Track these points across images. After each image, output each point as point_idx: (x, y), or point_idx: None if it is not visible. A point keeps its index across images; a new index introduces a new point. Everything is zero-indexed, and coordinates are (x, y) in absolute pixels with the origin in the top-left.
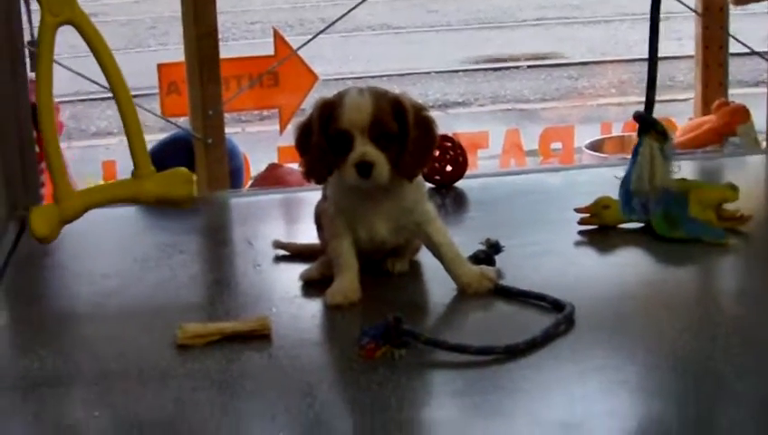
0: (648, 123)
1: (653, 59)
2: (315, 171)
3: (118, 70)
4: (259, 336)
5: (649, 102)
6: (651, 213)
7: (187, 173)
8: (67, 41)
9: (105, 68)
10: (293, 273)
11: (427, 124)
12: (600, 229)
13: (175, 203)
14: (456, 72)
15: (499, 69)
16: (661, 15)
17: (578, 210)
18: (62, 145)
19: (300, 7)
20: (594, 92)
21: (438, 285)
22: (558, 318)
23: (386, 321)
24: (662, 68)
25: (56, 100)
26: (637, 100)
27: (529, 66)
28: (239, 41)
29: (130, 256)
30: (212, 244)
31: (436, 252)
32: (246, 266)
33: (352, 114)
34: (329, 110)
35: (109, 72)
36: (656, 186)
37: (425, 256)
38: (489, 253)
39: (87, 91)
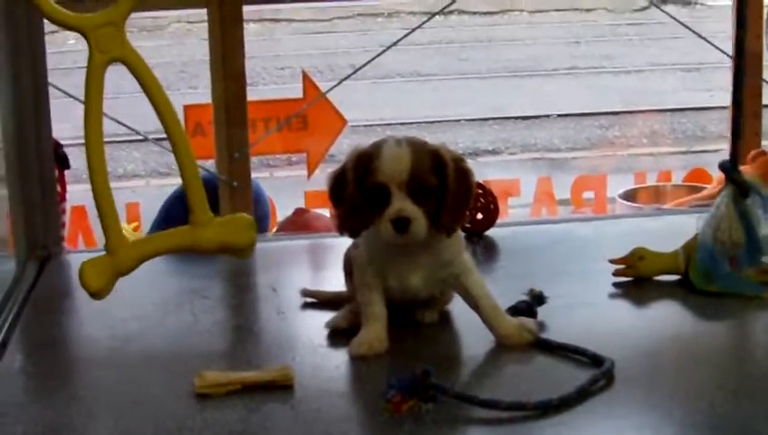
0: (729, 173)
1: (738, 105)
2: (349, 225)
3: (171, 109)
4: (281, 387)
5: (734, 154)
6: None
7: (248, 219)
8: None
9: (158, 107)
10: (318, 321)
11: (465, 176)
12: (636, 281)
13: (235, 251)
14: (486, 120)
15: (529, 117)
16: (692, 64)
17: (612, 261)
18: (86, 187)
19: (330, 53)
20: (625, 142)
21: (470, 337)
22: (595, 374)
23: (413, 374)
24: (693, 118)
25: (82, 141)
26: (668, 150)
27: (559, 115)
28: (268, 85)
29: (150, 301)
30: (235, 290)
31: (474, 304)
32: (270, 313)
33: (390, 167)
34: (365, 161)
35: (162, 111)
36: (722, 239)
37: (455, 307)
38: (531, 304)
39: (114, 133)
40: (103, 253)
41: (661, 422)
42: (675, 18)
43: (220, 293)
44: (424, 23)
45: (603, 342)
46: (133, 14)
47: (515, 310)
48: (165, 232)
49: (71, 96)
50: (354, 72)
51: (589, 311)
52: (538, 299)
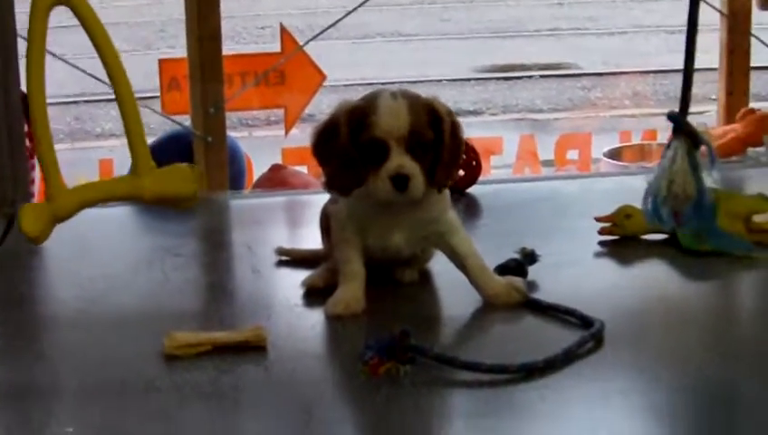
0: (679, 125)
1: (690, 55)
2: (340, 183)
3: (116, 55)
4: (254, 347)
5: (684, 104)
6: (681, 224)
7: (190, 169)
8: (73, 40)
9: (102, 52)
10: (295, 279)
11: (458, 130)
12: (622, 240)
13: (177, 202)
14: (468, 80)
15: (511, 78)
16: (675, 26)
17: (598, 219)
18: (65, 145)
19: (311, 13)
20: (608, 103)
21: (451, 297)
22: (583, 336)
23: (391, 334)
24: (676, 80)
25: (61, 100)
26: (651, 111)
27: (541, 76)
28: (248, 44)
29: (121, 259)
30: (209, 247)
31: (461, 263)
32: (245, 272)
33: (388, 122)
34: (359, 115)
35: (105, 57)
36: (675, 192)
37: (436, 265)
38: (521, 262)
39: (92, 93)
40: None
41: (648, 386)
42: None
43: (193, 250)
44: None
45: (589, 302)
46: None
47: (504, 268)
48: (105, 180)
49: (52, 54)
50: (331, 26)
51: (575, 270)
52: (529, 258)
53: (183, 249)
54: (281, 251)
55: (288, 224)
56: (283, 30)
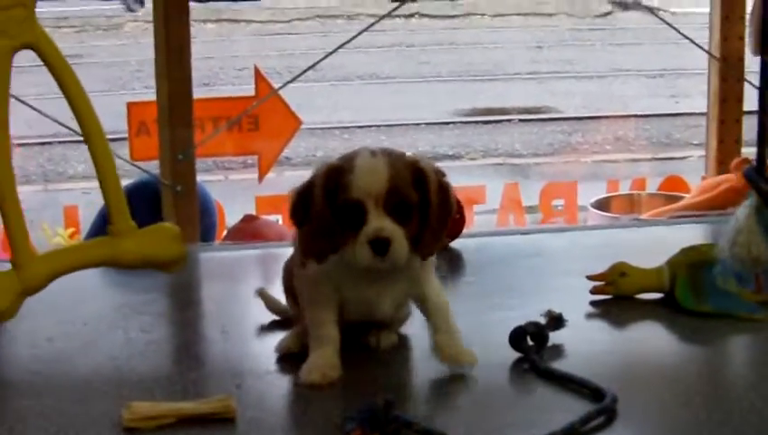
0: (754, 182)
1: (765, 110)
2: (316, 249)
3: (86, 100)
4: (222, 420)
5: (761, 160)
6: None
7: (172, 229)
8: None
9: (71, 98)
10: (266, 342)
11: (447, 192)
12: (615, 299)
13: (161, 265)
14: (447, 123)
15: (490, 122)
16: (655, 70)
17: (591, 278)
18: (38, 187)
19: (289, 54)
20: (589, 148)
21: (434, 363)
22: (590, 411)
23: (375, 404)
24: (657, 124)
25: (34, 141)
26: (632, 157)
27: (521, 120)
28: (226, 86)
29: (81, 318)
30: (176, 305)
31: (429, 316)
32: (213, 333)
33: (365, 181)
34: (335, 175)
35: (76, 104)
36: (738, 253)
37: (413, 325)
38: (542, 327)
39: (65, 133)
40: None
41: None
42: (663, 20)
43: (159, 308)
44: (374, 23)
45: (581, 368)
46: (88, 13)
47: (523, 331)
48: (80, 244)
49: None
50: (307, 70)
51: (565, 333)
52: (555, 322)
53: (148, 307)
54: (261, 293)
55: (261, 278)
56: (258, 73)
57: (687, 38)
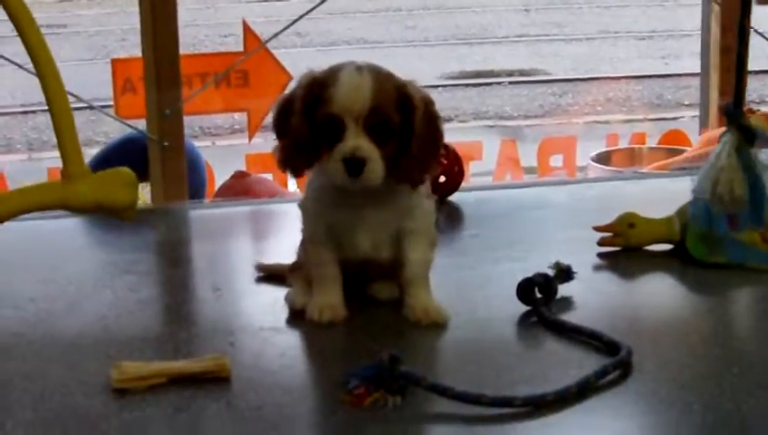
0: (732, 117)
1: (743, 40)
2: (291, 161)
3: (39, 34)
4: (215, 379)
5: (739, 94)
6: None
7: (128, 174)
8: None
9: (23, 32)
10: (261, 299)
11: (434, 121)
12: (623, 252)
13: (114, 211)
14: (436, 87)
15: (480, 85)
16: (644, 32)
17: (598, 229)
18: (22, 156)
19: (275, 21)
20: (580, 110)
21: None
22: (605, 364)
23: (379, 360)
24: (650, 86)
25: (18, 109)
26: (623, 118)
27: (510, 82)
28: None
29: (65, 277)
30: (165, 264)
31: (402, 265)
32: (204, 291)
33: (347, 97)
34: (317, 88)
35: (27, 38)
36: (720, 193)
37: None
38: (551, 279)
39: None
40: None
41: (678, 421)
42: None
43: (147, 267)
44: None
45: (594, 322)
46: None
47: (530, 284)
48: (32, 186)
49: (9, 61)
50: (296, 21)
51: (574, 286)
52: (565, 274)
53: (136, 266)
54: (260, 267)
55: (253, 236)
56: (246, 27)
57: None
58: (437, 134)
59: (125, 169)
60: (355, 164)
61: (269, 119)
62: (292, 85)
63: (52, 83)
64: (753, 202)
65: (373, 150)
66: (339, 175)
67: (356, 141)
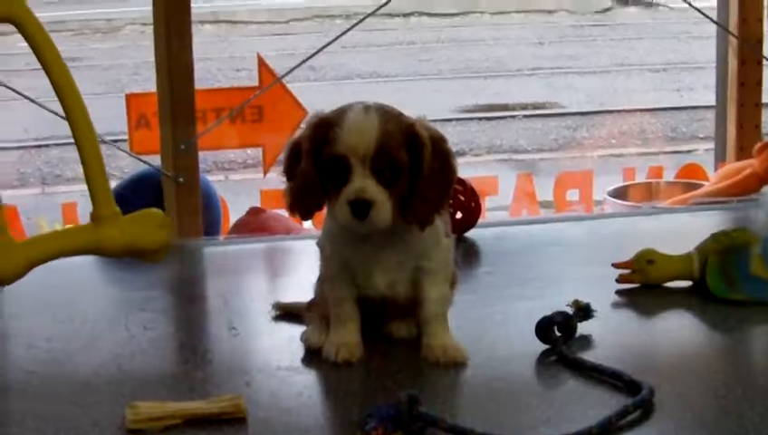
0: None
1: None
2: (300, 204)
3: (67, 74)
4: (231, 420)
5: None
6: None
7: (160, 216)
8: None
9: (51, 72)
10: (277, 338)
11: (445, 158)
12: (641, 288)
13: (145, 254)
14: (449, 120)
15: (494, 118)
16: (658, 64)
17: (617, 265)
18: (36, 190)
19: (288, 55)
20: (594, 143)
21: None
22: (627, 404)
23: (397, 401)
24: (662, 119)
25: (31, 144)
26: (637, 151)
27: (525, 116)
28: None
29: (80, 315)
30: (180, 301)
31: (420, 304)
32: (220, 329)
33: (352, 137)
34: (324, 128)
35: (56, 78)
36: None
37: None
38: (570, 317)
39: (62, 136)
40: None
41: None
42: (696, 9)
43: (162, 305)
44: (358, 22)
45: (611, 360)
46: (86, 16)
47: (550, 322)
48: (60, 230)
49: (22, 95)
50: (313, 55)
51: (592, 324)
52: (584, 312)
53: (150, 304)
54: (278, 306)
55: (268, 273)
56: (261, 62)
57: (711, 19)
58: (449, 172)
59: (156, 211)
60: (361, 206)
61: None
62: (301, 126)
63: (81, 124)
64: None
65: (380, 192)
66: (345, 217)
67: (362, 183)
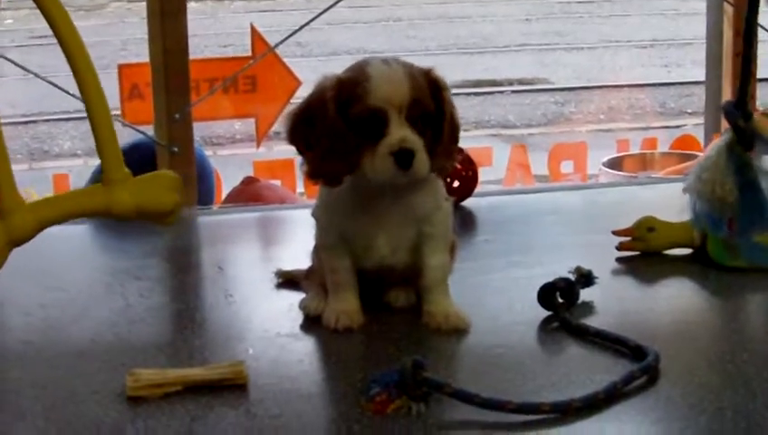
0: (729, 117)
1: (749, 39)
2: (328, 169)
3: (79, 40)
4: (232, 387)
5: (742, 94)
6: (735, 233)
7: (171, 177)
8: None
9: (62, 38)
10: (275, 305)
11: (454, 108)
12: (642, 256)
13: (157, 217)
14: None
15: (482, 93)
16: (645, 41)
17: (617, 233)
18: (23, 166)
19: (275, 31)
20: (583, 118)
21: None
22: (633, 369)
23: (401, 366)
24: (650, 94)
25: (18, 120)
26: (627, 126)
27: (513, 91)
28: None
29: (75, 282)
30: (175, 269)
31: (420, 269)
32: (216, 297)
33: (386, 88)
34: (347, 87)
35: (67, 43)
36: (702, 192)
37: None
38: (573, 283)
39: (51, 111)
40: None
41: (711, 428)
42: None
43: (157, 273)
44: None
45: (614, 326)
46: None
47: (552, 288)
48: (71, 192)
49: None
50: (305, 26)
51: (593, 291)
52: (585, 279)
53: (146, 272)
54: (280, 273)
55: (263, 242)
56: (254, 32)
57: None
58: (457, 121)
59: (167, 173)
60: (405, 155)
61: (276, 127)
62: (304, 94)
63: (91, 91)
64: (753, 206)
65: (418, 141)
66: (387, 170)
67: (403, 133)
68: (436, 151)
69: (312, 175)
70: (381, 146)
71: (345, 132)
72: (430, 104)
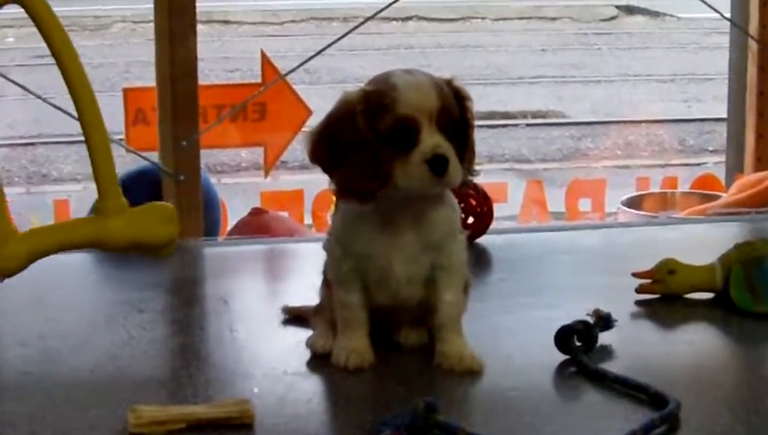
0: None
1: None
2: (362, 185)
3: (78, 64)
4: (238, 425)
5: None
6: None
7: (168, 209)
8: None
9: (62, 62)
10: (281, 341)
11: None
12: (662, 299)
13: (151, 249)
14: None
15: (495, 126)
16: (666, 75)
17: (637, 275)
18: (20, 189)
19: (282, 57)
20: (599, 154)
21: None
22: (653, 418)
23: (413, 408)
24: (669, 130)
25: (17, 142)
26: (644, 163)
27: (527, 125)
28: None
29: (76, 314)
30: (179, 302)
31: (434, 306)
32: (221, 332)
33: (416, 97)
34: (374, 99)
35: (66, 67)
36: None
37: None
38: (591, 326)
39: (51, 134)
40: None
41: None
42: (716, 11)
43: (161, 305)
44: (358, 25)
45: (633, 372)
46: (75, 12)
47: (570, 331)
48: (64, 222)
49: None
50: (318, 54)
51: (611, 335)
52: (604, 322)
53: (149, 304)
54: (287, 310)
55: (270, 275)
56: (264, 58)
57: (733, 22)
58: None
59: (164, 204)
60: (440, 162)
61: (286, 155)
62: (314, 123)
63: (88, 110)
64: None
65: (450, 148)
66: (421, 179)
67: (436, 140)
68: (463, 160)
69: (343, 193)
70: (414, 154)
71: (378, 145)
72: (457, 113)
